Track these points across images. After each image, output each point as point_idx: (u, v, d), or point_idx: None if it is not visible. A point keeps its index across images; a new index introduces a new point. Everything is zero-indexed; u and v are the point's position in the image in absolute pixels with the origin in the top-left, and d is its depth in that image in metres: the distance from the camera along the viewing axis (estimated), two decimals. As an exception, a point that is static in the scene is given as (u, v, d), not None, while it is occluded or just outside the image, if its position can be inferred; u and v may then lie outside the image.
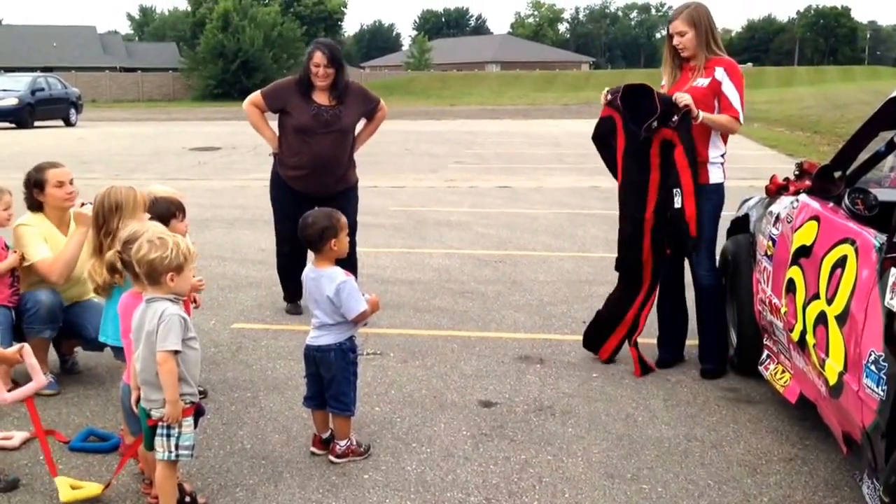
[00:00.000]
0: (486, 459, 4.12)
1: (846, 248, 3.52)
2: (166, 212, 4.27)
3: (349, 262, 5.47)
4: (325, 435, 4.13)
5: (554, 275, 7.95)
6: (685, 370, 5.40)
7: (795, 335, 4.07)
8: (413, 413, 4.68)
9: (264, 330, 6.16)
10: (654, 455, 4.20)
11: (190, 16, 70.24)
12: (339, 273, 3.96)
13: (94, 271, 3.91)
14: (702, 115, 5.00)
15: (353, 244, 5.33)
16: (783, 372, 4.55)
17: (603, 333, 5.53)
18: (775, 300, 4.49)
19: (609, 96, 5.23)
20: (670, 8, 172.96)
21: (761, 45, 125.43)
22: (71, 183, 4.94)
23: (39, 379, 3.64)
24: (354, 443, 4.09)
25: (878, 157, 4.32)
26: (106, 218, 3.98)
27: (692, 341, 5.51)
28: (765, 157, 18.72)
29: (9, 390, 3.75)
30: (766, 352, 4.86)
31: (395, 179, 15.32)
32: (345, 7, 79.58)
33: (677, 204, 5.04)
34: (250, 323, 6.33)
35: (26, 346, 3.69)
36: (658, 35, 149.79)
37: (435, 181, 15.08)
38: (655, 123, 4.96)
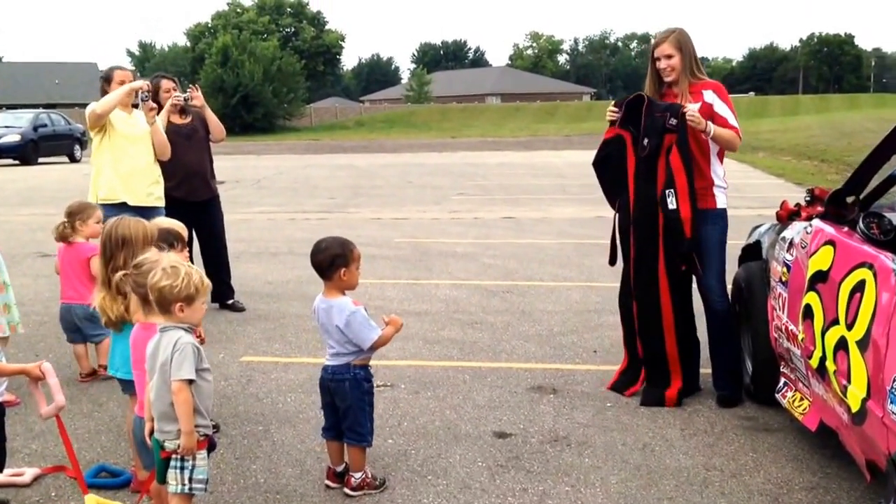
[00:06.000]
0: (503, 491, 4.06)
1: (864, 273, 3.48)
2: (165, 241, 4.21)
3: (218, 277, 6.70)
4: (340, 468, 4.07)
5: (562, 305, 7.91)
6: (701, 399, 5.34)
7: (814, 362, 4.01)
8: (427, 445, 4.62)
9: (273, 363, 6.10)
10: (673, 485, 4.14)
11: (189, 51, 70.85)
12: (349, 304, 3.92)
13: (105, 305, 3.86)
14: (712, 127, 5.00)
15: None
16: (801, 399, 4.50)
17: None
18: (792, 327, 4.44)
19: (614, 114, 5.22)
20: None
21: (764, 74, 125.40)
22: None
23: (60, 399, 3.57)
24: (370, 475, 4.03)
25: (892, 181, 4.29)
26: (113, 252, 3.91)
27: (705, 370, 5.45)
28: (772, 185, 18.72)
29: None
30: (783, 379, 4.81)
31: (399, 211, 15.32)
32: (343, 41, 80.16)
33: (671, 205, 4.99)
34: (259, 356, 6.28)
35: (46, 363, 3.63)
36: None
37: (438, 213, 15.07)
38: (672, 122, 4.95)
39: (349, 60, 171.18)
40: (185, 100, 7.19)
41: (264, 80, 55.61)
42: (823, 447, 4.49)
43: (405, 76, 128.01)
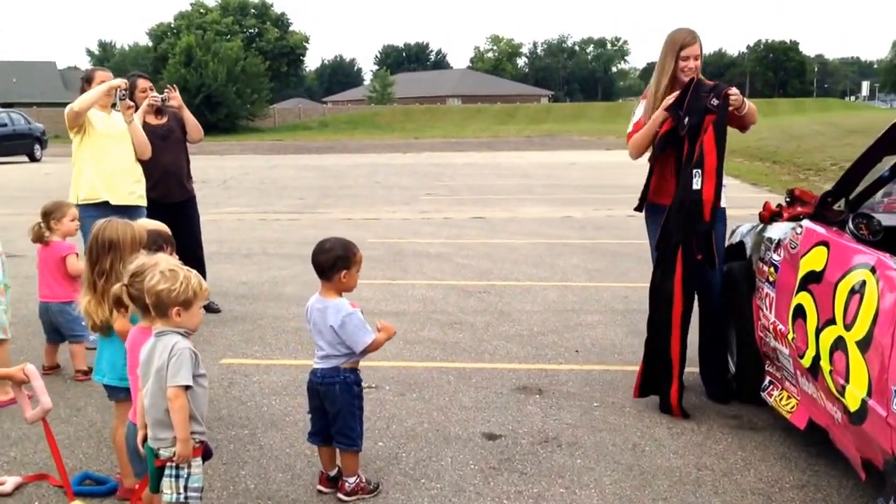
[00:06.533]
0: (498, 494, 4.02)
1: (863, 273, 3.48)
2: (153, 244, 4.11)
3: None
4: (332, 473, 4.00)
5: (539, 304, 7.89)
6: (686, 398, 5.33)
7: (806, 361, 4.02)
8: (418, 447, 4.56)
9: (255, 365, 6.01)
10: (666, 485, 4.13)
11: (151, 51, 69.99)
12: (345, 305, 3.86)
13: (90, 308, 3.75)
14: (747, 104, 5.00)
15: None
16: (789, 398, 4.51)
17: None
18: (781, 326, 4.45)
19: (670, 108, 5.01)
20: (625, 42, 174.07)
21: (713, 78, 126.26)
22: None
23: (46, 401, 3.47)
24: (364, 480, 3.97)
25: (881, 182, 4.32)
26: (99, 255, 3.79)
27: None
28: (730, 186, 18.83)
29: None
30: (768, 378, 4.82)
31: (369, 212, 15.25)
32: (307, 42, 79.72)
33: (696, 185, 4.83)
34: (239, 358, 6.18)
35: (30, 365, 3.53)
36: (614, 69, 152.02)
37: (409, 213, 15.02)
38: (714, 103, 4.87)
39: (312, 62, 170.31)
40: (163, 100, 7.07)
41: (228, 81, 55.12)
42: (809, 445, 4.51)
43: (368, 78, 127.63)
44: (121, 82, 6.39)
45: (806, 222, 4.40)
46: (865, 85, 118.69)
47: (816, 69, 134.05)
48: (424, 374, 5.81)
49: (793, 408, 4.46)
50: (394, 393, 5.43)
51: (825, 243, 4.04)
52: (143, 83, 7.12)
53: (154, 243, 3.90)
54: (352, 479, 3.92)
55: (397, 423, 4.91)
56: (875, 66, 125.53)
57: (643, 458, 4.44)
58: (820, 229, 4.21)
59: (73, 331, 5.75)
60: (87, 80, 6.51)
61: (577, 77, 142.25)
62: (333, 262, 3.83)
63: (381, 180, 21.80)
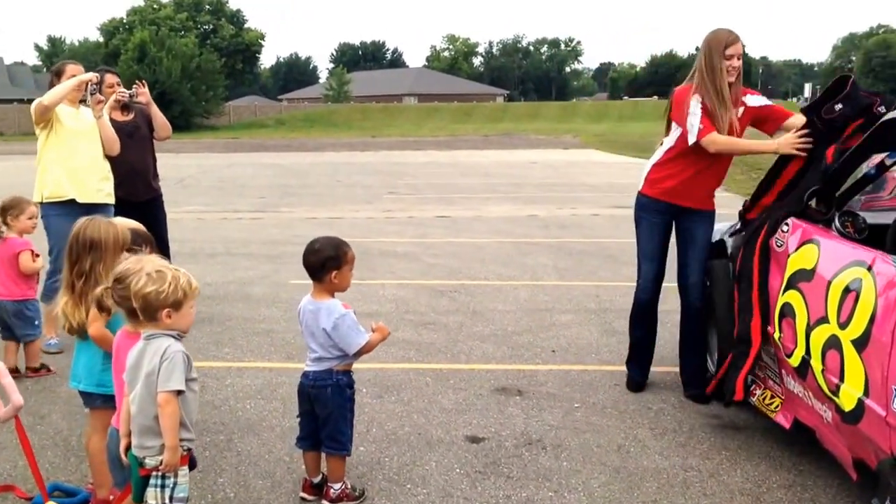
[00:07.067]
0: (486, 499, 3.94)
1: (859, 272, 3.45)
2: (133, 244, 3.95)
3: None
4: (317, 479, 3.89)
5: (511, 304, 7.83)
6: (664, 397, 5.34)
7: (794, 360, 4.00)
8: (401, 452, 4.47)
9: (226, 368, 5.87)
10: (655, 487, 4.08)
11: (102, 47, 68.82)
12: (338, 306, 3.75)
13: (67, 310, 3.59)
14: None
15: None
16: (772, 397, 4.49)
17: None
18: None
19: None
20: (579, 43, 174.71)
21: (665, 79, 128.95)
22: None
23: (17, 398, 3.32)
24: (349, 486, 3.86)
25: (867, 180, 4.31)
26: (79, 255, 3.62)
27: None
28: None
29: None
30: (750, 377, 4.79)
31: (332, 210, 15.11)
32: (262, 39, 78.93)
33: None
34: (210, 361, 6.03)
35: (0, 363, 3.37)
36: (568, 69, 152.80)
37: (372, 212, 14.89)
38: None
39: (267, 59, 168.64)
40: (131, 96, 6.87)
41: (182, 78, 54.44)
42: (792, 444, 4.50)
43: (324, 76, 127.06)
44: (92, 76, 6.19)
45: (792, 220, 4.38)
46: (808, 87, 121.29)
47: (761, 71, 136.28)
48: (401, 376, 5.71)
49: (777, 407, 4.44)
50: (371, 395, 5.33)
51: (815, 242, 4.01)
52: (110, 78, 6.92)
53: (135, 243, 3.75)
54: (337, 486, 3.82)
55: (377, 427, 4.81)
56: (816, 68, 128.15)
57: (629, 460, 4.39)
58: (809, 227, 4.18)
59: (25, 330, 5.63)
60: (57, 74, 6.31)
61: (531, 76, 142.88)
62: (323, 263, 3.72)
63: (342, 179, 21.62)
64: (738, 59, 4.97)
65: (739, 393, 4.57)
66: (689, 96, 4.97)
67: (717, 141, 4.94)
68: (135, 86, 6.92)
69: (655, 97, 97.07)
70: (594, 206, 15.37)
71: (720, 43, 4.98)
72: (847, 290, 3.48)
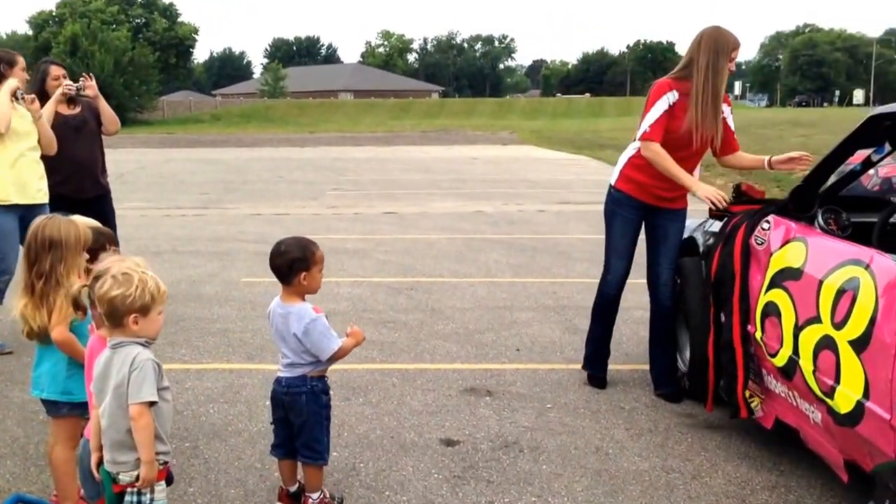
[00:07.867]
0: (469, 505, 3.81)
1: (855, 271, 3.38)
2: (95, 243, 3.73)
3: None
4: (293, 488, 3.71)
5: (469, 302, 7.71)
6: (635, 396, 5.27)
7: (780, 360, 3.93)
8: (375, 456, 4.30)
9: (184, 370, 5.63)
10: (638, 490, 3.99)
11: (31, 40, 66.93)
12: (308, 310, 3.57)
13: (26, 312, 3.34)
14: None
15: None
16: (752, 396, 4.43)
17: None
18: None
19: None
20: (512, 40, 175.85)
21: (596, 77, 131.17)
22: None
23: None
24: (328, 495, 3.69)
25: (853, 175, 4.27)
26: (38, 255, 3.37)
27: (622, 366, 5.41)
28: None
29: None
30: (747, 391, 4.70)
31: (277, 207, 14.82)
32: (196, 34, 77.46)
33: None
34: (167, 363, 5.65)
35: None
36: (502, 66, 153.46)
37: (318, 208, 14.64)
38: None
39: (201, 54, 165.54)
40: (78, 89, 6.55)
41: (115, 72, 53.08)
42: (769, 444, 4.46)
43: (258, 71, 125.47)
44: (16, 85, 5.85)
45: (773, 217, 4.32)
46: (738, 85, 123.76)
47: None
48: (366, 377, 5.54)
49: (756, 406, 4.38)
50: (338, 398, 5.13)
51: (802, 239, 3.94)
52: (55, 70, 6.60)
53: (97, 243, 3.52)
54: (315, 495, 3.64)
55: (349, 431, 4.64)
56: (744, 66, 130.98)
57: (609, 462, 4.30)
58: (794, 225, 4.12)
59: None
60: (9, 65, 6.00)
61: (465, 73, 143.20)
62: (291, 265, 3.53)
63: (284, 175, 21.28)
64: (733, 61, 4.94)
65: (744, 411, 4.41)
66: (666, 92, 4.90)
67: (652, 149, 4.95)
68: (82, 78, 6.60)
69: (588, 94, 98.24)
70: (539, 203, 15.34)
71: (728, 45, 4.88)
72: (842, 290, 3.41)
